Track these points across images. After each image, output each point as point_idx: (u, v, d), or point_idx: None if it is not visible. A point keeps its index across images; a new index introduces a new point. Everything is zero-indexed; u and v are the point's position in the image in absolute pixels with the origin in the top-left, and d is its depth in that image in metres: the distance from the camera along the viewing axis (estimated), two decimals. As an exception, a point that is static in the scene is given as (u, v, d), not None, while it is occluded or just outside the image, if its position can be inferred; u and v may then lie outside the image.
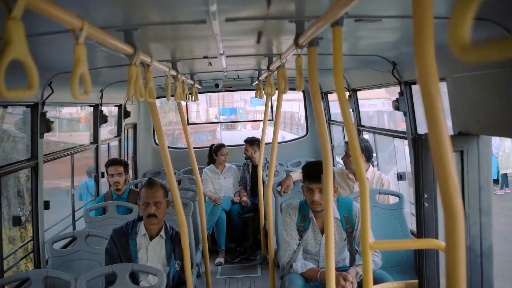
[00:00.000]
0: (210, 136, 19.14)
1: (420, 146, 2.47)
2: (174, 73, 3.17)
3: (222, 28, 2.05)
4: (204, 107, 23.25)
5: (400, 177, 3.78)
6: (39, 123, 3.22)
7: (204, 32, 2.16)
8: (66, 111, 11.29)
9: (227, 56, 3.26)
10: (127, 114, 5.58)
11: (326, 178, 2.03)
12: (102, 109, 4.69)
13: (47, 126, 3.26)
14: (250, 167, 6.05)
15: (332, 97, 6.24)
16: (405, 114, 3.40)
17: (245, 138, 6.12)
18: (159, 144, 2.83)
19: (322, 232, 2.98)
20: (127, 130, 6.01)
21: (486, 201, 2.46)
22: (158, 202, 3.05)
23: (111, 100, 5.13)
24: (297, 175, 4.34)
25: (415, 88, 3.39)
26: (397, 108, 3.38)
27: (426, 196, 2.48)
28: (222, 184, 6.04)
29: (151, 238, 3.10)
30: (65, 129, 12.17)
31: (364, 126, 4.95)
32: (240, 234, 5.79)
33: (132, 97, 1.86)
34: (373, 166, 4.28)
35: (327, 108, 6.28)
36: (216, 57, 3.24)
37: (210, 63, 3.38)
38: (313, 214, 2.99)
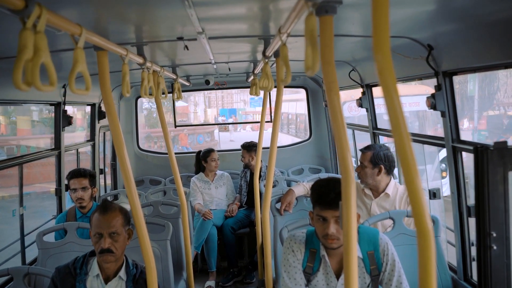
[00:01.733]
0: (208, 138, 18.44)
1: (486, 160, 1.67)
2: (139, 60, 2.38)
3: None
4: (202, 108, 22.53)
5: (433, 194, 2.97)
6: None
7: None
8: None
9: (209, 38, 2.48)
10: (102, 115, 4.80)
11: (347, 202, 1.25)
12: (65, 108, 3.89)
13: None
14: (248, 175, 5.34)
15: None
16: (443, 115, 2.59)
17: (242, 143, 5.36)
18: (116, 149, 2.10)
19: (338, 275, 2.19)
20: (104, 134, 5.22)
21: None
22: (115, 233, 2.27)
23: (81, 98, 4.33)
24: (300, 189, 3.54)
25: (457, 80, 2.59)
26: (433, 106, 2.57)
27: (494, 234, 1.69)
28: (213, 195, 5.27)
29: (107, 281, 2.32)
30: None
31: (380, 129, 4.15)
32: (234, 253, 5.06)
33: (23, 83, 1.06)
34: (394, 178, 3.47)
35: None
36: (196, 39, 2.45)
37: (186, 47, 2.58)
38: (325, 251, 2.19)
